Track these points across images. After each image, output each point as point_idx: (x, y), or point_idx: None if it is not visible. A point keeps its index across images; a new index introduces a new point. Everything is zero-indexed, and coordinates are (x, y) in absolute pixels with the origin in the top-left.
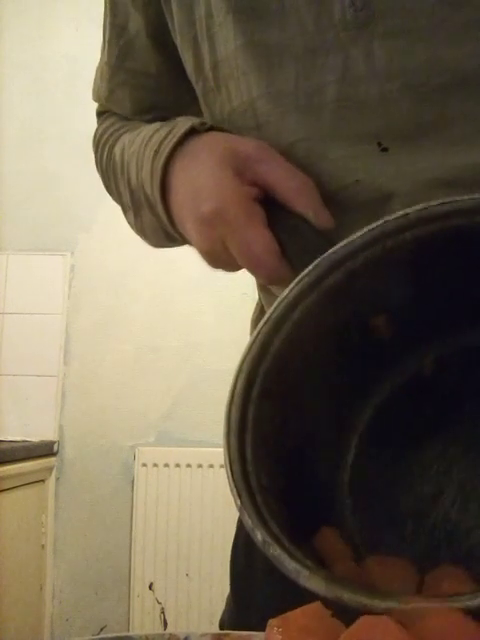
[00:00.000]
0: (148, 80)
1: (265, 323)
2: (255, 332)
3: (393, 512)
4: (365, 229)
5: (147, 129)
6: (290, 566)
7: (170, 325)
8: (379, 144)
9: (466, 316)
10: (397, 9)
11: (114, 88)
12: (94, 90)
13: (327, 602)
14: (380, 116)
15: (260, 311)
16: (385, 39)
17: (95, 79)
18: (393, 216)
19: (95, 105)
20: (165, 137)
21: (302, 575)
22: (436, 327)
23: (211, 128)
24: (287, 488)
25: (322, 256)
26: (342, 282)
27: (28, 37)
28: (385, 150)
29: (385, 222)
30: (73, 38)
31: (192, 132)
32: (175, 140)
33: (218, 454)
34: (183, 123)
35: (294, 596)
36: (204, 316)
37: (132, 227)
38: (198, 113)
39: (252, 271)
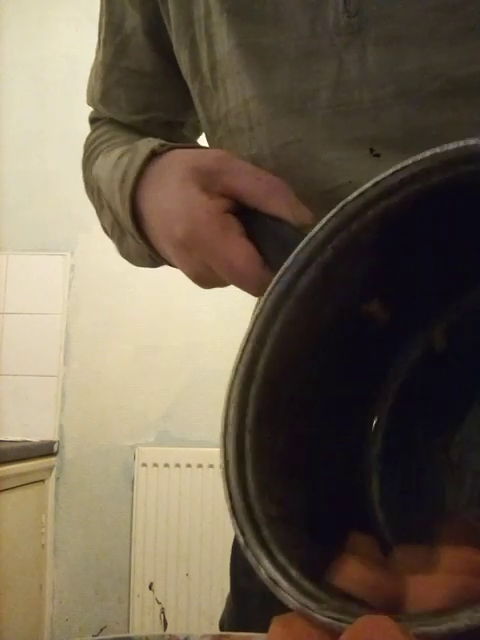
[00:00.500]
0: (143, 79)
1: (246, 342)
2: (237, 355)
3: (421, 502)
4: (325, 219)
5: (112, 155)
6: (294, 604)
7: (170, 325)
8: (371, 150)
9: (461, 278)
10: (390, 16)
11: (109, 87)
12: (88, 91)
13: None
14: (372, 122)
15: None
16: (378, 45)
17: (89, 80)
18: (350, 198)
19: (86, 99)
20: (128, 164)
21: (308, 609)
22: (435, 297)
23: (172, 148)
24: (306, 503)
25: (288, 259)
26: (317, 279)
27: (28, 37)
28: (377, 156)
29: (343, 206)
30: (73, 38)
31: (153, 155)
32: (137, 167)
33: (218, 454)
34: (143, 147)
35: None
36: (204, 316)
37: (117, 250)
38: (194, 115)
39: (239, 285)
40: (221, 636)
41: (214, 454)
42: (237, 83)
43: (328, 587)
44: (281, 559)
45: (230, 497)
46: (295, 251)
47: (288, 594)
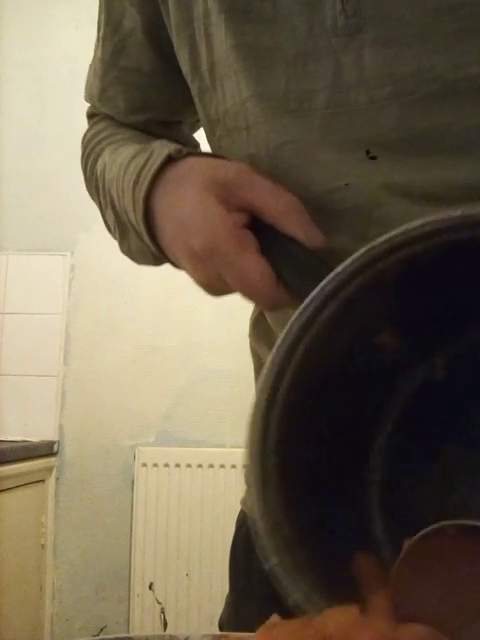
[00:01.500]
0: (141, 78)
1: (271, 366)
2: (260, 379)
3: (424, 523)
4: (352, 257)
5: (124, 154)
6: None
7: (170, 325)
8: (367, 152)
9: (469, 314)
10: (387, 17)
11: (107, 86)
12: (86, 88)
13: None
14: (369, 124)
15: (260, 311)
16: (375, 46)
17: (88, 76)
18: (377, 242)
19: (84, 95)
20: (143, 166)
21: None
22: (441, 329)
23: (188, 154)
24: (317, 523)
25: (316, 290)
26: (339, 312)
27: (28, 37)
28: (374, 158)
29: (370, 248)
30: (73, 38)
31: (169, 160)
32: (153, 170)
33: (218, 454)
34: (160, 151)
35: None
36: (204, 316)
37: (119, 246)
38: (192, 115)
39: (252, 300)
40: (221, 636)
41: (214, 454)
42: (234, 83)
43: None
44: (303, 585)
45: (260, 517)
46: (322, 284)
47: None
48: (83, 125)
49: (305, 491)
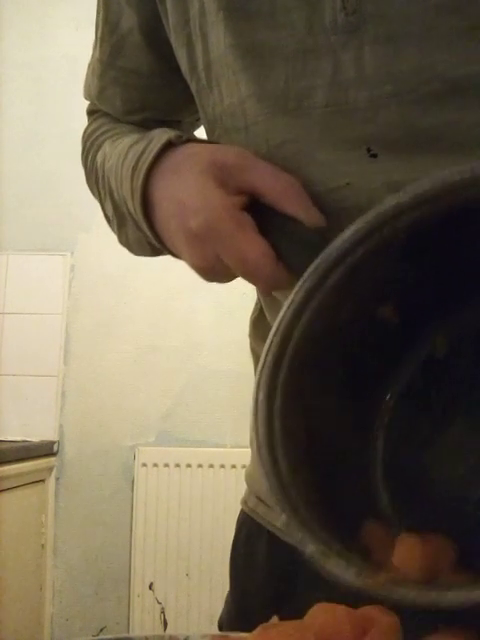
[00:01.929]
0: (139, 79)
1: (275, 333)
2: (267, 342)
3: (428, 498)
4: (359, 222)
5: (124, 142)
6: (348, 573)
7: (170, 325)
8: (368, 150)
9: (471, 291)
10: (388, 15)
11: (105, 86)
12: (85, 87)
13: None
14: (369, 122)
15: (260, 311)
16: (375, 44)
17: (87, 75)
18: (385, 204)
19: (83, 93)
20: (142, 153)
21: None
22: (442, 306)
23: (188, 140)
24: (323, 500)
25: (320, 256)
26: (345, 278)
27: (28, 37)
28: (374, 156)
29: (378, 212)
30: (73, 38)
31: (168, 145)
32: (152, 156)
33: (218, 454)
34: (159, 137)
35: (294, 596)
36: (204, 316)
37: (117, 237)
38: (191, 114)
39: (251, 280)
40: (221, 636)
41: (214, 454)
42: (233, 82)
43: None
44: (323, 535)
45: (266, 477)
46: (328, 249)
47: (338, 565)
48: (83, 125)
49: (310, 460)
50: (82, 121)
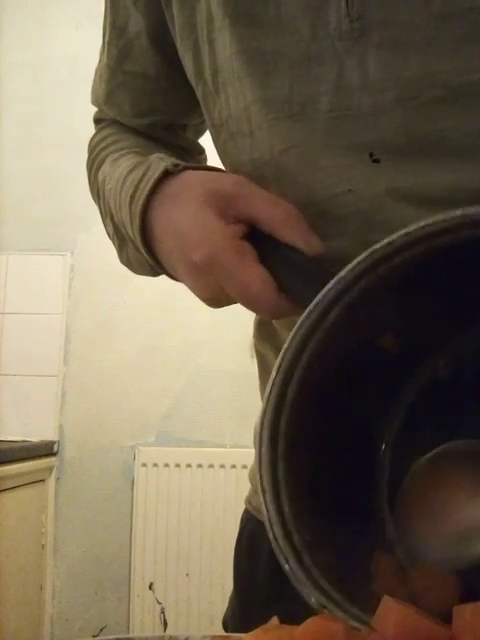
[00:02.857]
0: (147, 83)
1: (277, 373)
2: (268, 386)
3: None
4: (354, 262)
5: (122, 167)
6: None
7: (170, 325)
8: (371, 155)
9: (472, 313)
10: (392, 21)
11: (113, 90)
12: (93, 92)
13: None
14: (372, 127)
15: None
16: (379, 50)
17: (94, 80)
18: (379, 245)
19: (91, 99)
20: (140, 180)
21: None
22: (443, 329)
23: (185, 168)
24: (330, 524)
25: (318, 297)
26: (343, 316)
27: (28, 37)
28: (377, 161)
29: (372, 252)
30: (73, 38)
31: (166, 174)
32: (150, 186)
33: (218, 454)
34: (156, 165)
35: (297, 596)
36: (204, 316)
37: (118, 256)
38: (197, 117)
39: (253, 310)
40: (221, 637)
41: (214, 454)
42: (238, 88)
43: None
44: (324, 584)
45: (270, 525)
46: (324, 290)
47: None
48: (83, 126)
49: (316, 496)
50: (82, 121)
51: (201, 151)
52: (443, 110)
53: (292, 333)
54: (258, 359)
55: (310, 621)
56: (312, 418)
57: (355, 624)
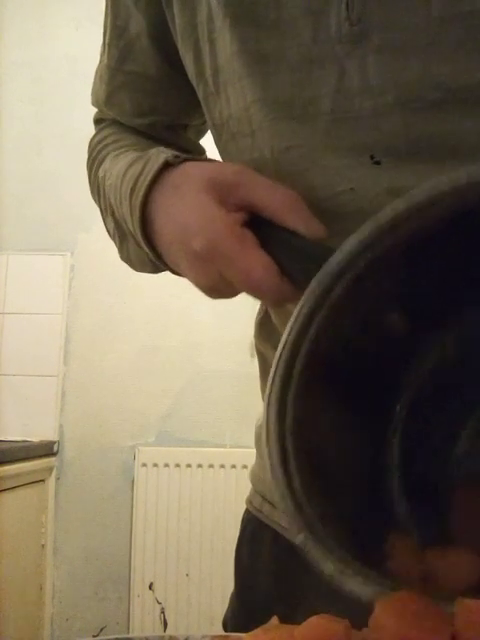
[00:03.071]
0: (148, 83)
1: (283, 348)
2: (275, 360)
3: (446, 504)
4: (357, 234)
5: (122, 162)
6: (368, 591)
7: (170, 325)
8: (371, 157)
9: (475, 289)
10: (392, 24)
11: (113, 90)
12: (93, 93)
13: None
14: (373, 130)
15: (265, 312)
16: (379, 54)
17: (94, 82)
18: (383, 215)
19: (91, 100)
20: (140, 173)
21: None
22: (450, 309)
23: (184, 160)
24: (339, 515)
25: (321, 271)
26: (349, 290)
27: (28, 37)
28: (377, 163)
29: (377, 222)
30: (73, 38)
31: (166, 166)
32: (150, 177)
33: (218, 454)
34: (156, 157)
35: (298, 595)
36: (204, 316)
37: (119, 253)
38: (199, 117)
39: (256, 296)
40: (221, 637)
41: (214, 454)
42: (239, 88)
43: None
44: (341, 552)
45: (281, 497)
46: (329, 262)
47: (359, 584)
48: (83, 125)
49: (324, 473)
50: (82, 121)
51: (202, 152)
52: (443, 112)
53: (298, 306)
54: (259, 359)
55: (311, 621)
56: (320, 394)
57: (377, 589)
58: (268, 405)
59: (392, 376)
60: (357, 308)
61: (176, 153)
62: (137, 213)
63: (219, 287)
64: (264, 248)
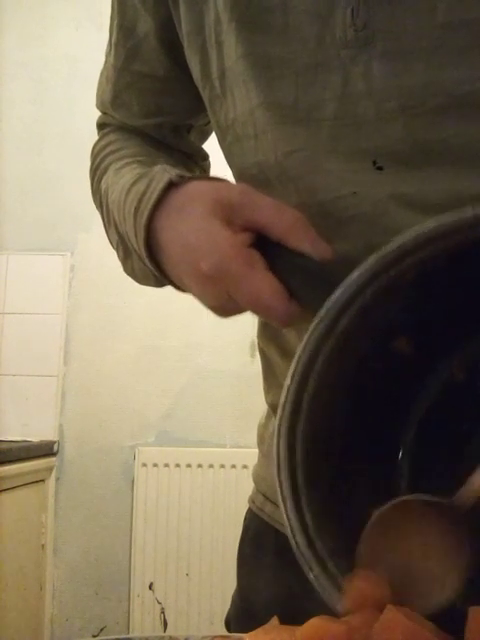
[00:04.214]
0: (155, 83)
1: (291, 380)
2: (283, 393)
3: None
4: (365, 265)
5: (126, 177)
6: None
7: (170, 325)
8: (374, 162)
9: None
10: (396, 30)
11: (120, 90)
12: (98, 95)
13: None
14: (376, 135)
15: None
16: (383, 59)
17: (99, 84)
18: (389, 247)
19: (96, 103)
20: (143, 193)
21: None
22: (457, 330)
23: (189, 179)
24: (350, 532)
25: (329, 301)
26: (356, 320)
27: (28, 37)
28: (380, 169)
29: (383, 255)
30: (73, 38)
31: (170, 185)
32: (154, 197)
33: (218, 454)
34: (160, 176)
35: (300, 594)
36: (204, 316)
37: (122, 267)
38: (204, 118)
39: (265, 317)
40: (221, 637)
41: (214, 454)
42: (244, 91)
43: None
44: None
45: (293, 534)
46: (336, 294)
47: None
48: (83, 125)
49: (336, 504)
50: (83, 121)
51: (205, 157)
52: (446, 118)
53: (305, 338)
54: (262, 359)
55: (312, 621)
56: (329, 424)
57: None
58: (278, 438)
59: (403, 397)
60: (365, 336)
61: (180, 172)
62: (142, 233)
63: (227, 307)
64: (271, 269)
